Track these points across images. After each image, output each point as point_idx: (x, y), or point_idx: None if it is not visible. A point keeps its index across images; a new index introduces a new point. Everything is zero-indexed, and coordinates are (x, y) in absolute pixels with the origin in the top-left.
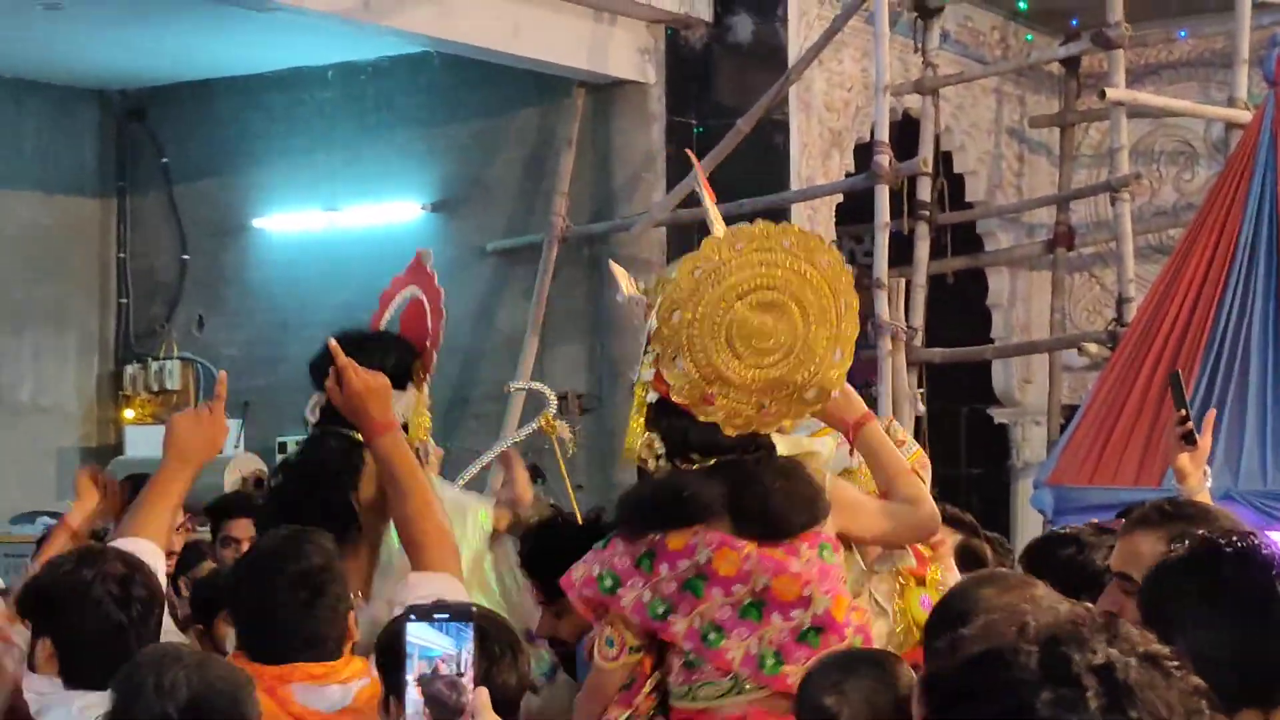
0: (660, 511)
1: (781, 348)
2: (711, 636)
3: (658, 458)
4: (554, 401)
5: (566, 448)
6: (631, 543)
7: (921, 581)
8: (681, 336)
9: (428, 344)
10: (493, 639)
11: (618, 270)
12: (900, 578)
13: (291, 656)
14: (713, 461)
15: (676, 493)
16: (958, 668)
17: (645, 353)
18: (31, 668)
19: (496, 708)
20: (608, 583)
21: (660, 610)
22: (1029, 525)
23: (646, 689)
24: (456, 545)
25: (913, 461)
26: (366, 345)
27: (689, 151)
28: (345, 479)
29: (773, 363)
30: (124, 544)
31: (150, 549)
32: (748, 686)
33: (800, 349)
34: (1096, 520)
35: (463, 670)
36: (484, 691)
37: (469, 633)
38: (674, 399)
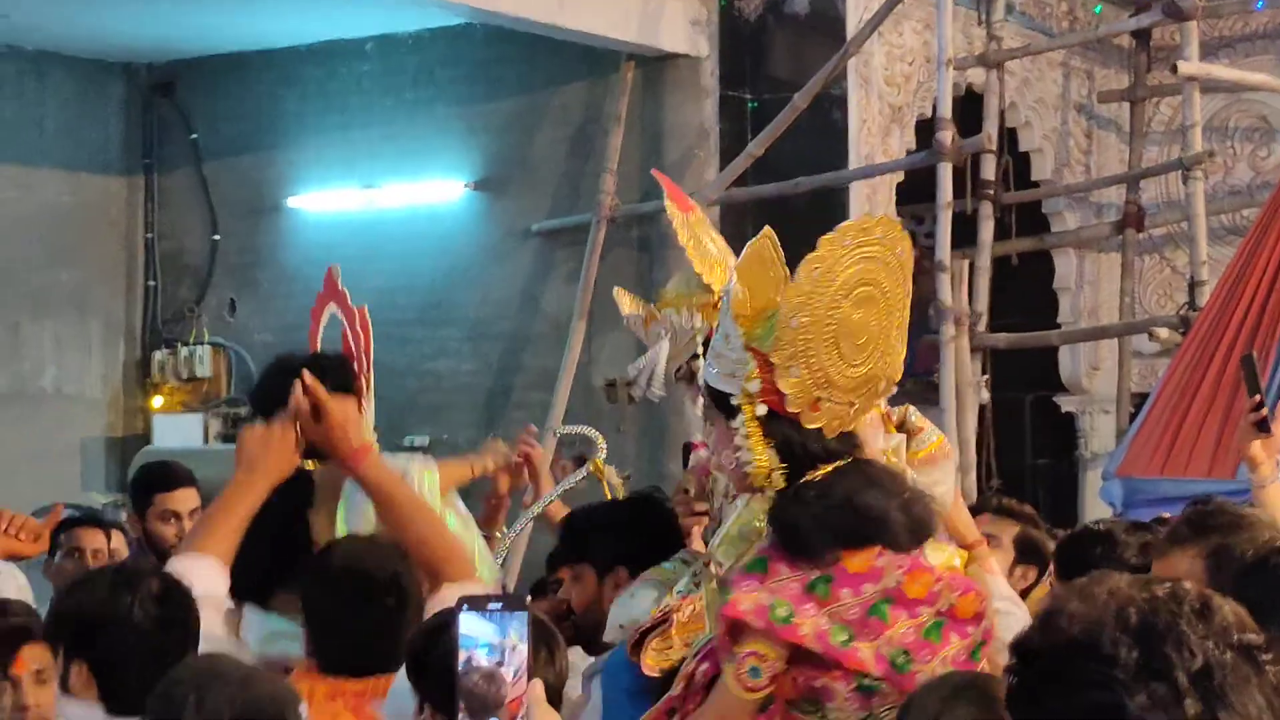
0: (839, 533)
1: (873, 345)
2: (900, 661)
3: (770, 472)
4: (603, 448)
5: (616, 492)
6: (798, 568)
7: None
8: (799, 342)
9: (354, 365)
10: (544, 634)
11: (619, 294)
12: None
13: (374, 669)
14: (832, 468)
15: (853, 511)
16: (1054, 648)
17: (736, 362)
18: (65, 691)
19: (553, 700)
20: (781, 612)
21: (844, 638)
22: (1098, 518)
23: (779, 715)
24: (467, 550)
25: (934, 450)
26: (330, 369)
27: (656, 172)
28: (301, 512)
29: (865, 359)
30: (185, 561)
31: (212, 566)
32: None
33: (884, 343)
34: (1166, 514)
35: (509, 661)
36: (538, 684)
37: (522, 622)
38: (789, 410)
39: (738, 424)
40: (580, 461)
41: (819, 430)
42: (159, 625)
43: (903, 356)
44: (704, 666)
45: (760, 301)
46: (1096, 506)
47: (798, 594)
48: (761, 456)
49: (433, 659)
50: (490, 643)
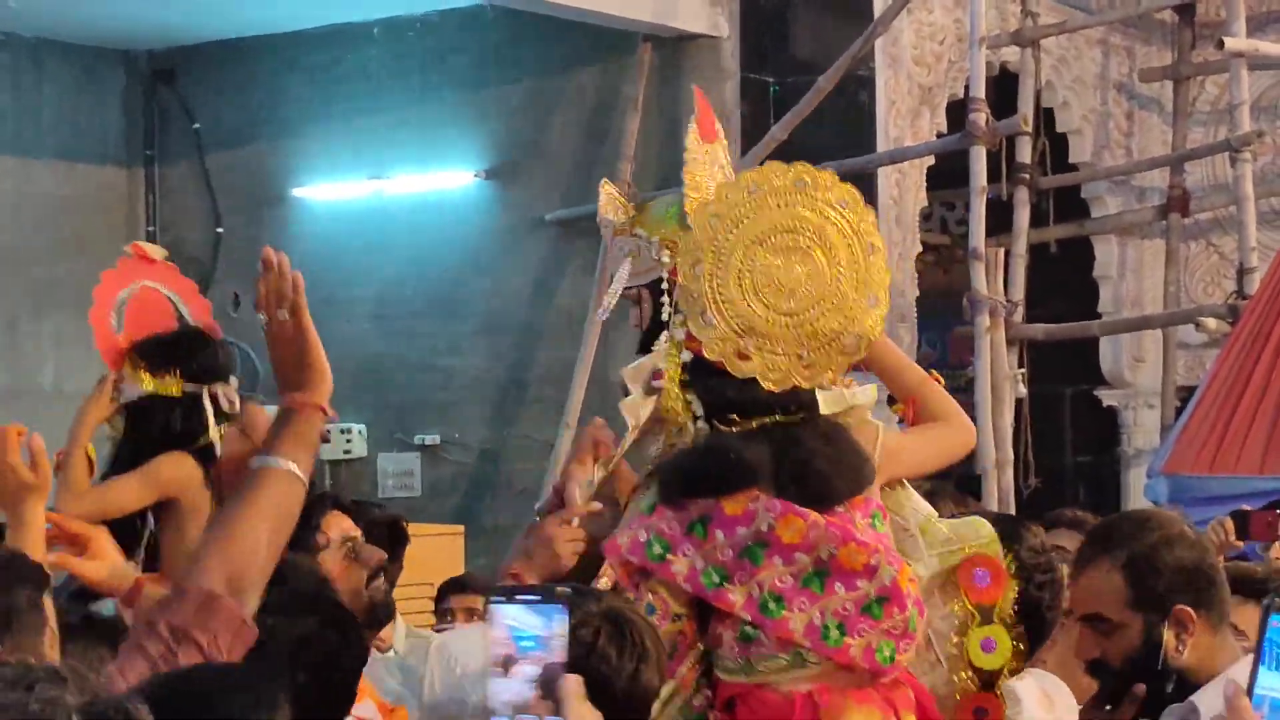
0: (710, 476)
1: (810, 295)
2: (771, 606)
3: (695, 419)
4: None
5: None
6: (680, 509)
7: (989, 616)
8: (706, 289)
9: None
10: (633, 634)
11: (605, 188)
12: (961, 610)
13: None
14: (754, 424)
15: (724, 456)
16: None
17: (671, 308)
18: None
19: (638, 708)
20: (656, 549)
21: (715, 579)
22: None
23: (690, 660)
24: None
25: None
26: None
27: (697, 90)
28: None
29: (802, 310)
30: None
31: None
32: (811, 660)
33: (830, 295)
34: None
35: (549, 654)
36: (574, 679)
37: (563, 616)
38: (707, 356)
39: (663, 365)
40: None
41: (752, 382)
42: None
43: (878, 314)
44: None
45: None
46: (1140, 504)
47: (678, 534)
48: (670, 398)
49: None
50: (536, 635)
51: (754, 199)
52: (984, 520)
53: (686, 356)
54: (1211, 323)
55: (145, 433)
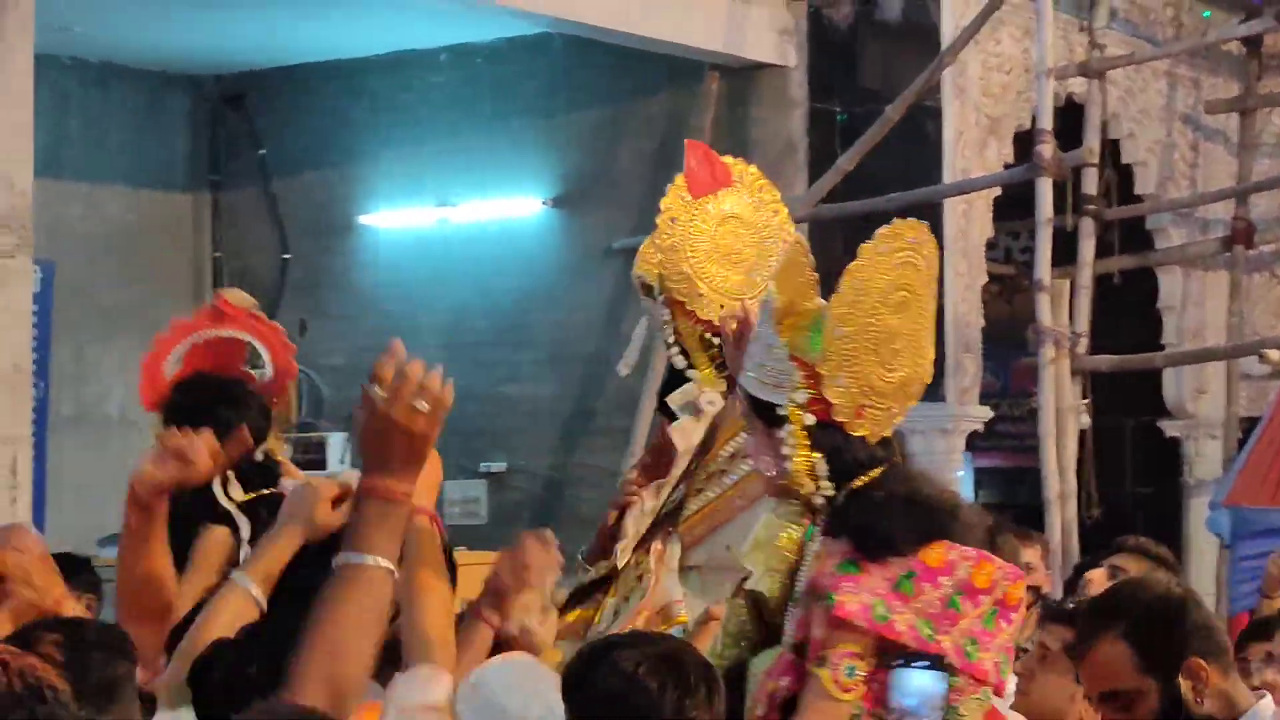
0: (918, 529)
1: (912, 349)
2: (970, 650)
3: (816, 480)
4: None
5: None
6: (885, 565)
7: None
8: (845, 352)
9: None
10: (690, 671)
11: (645, 252)
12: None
13: None
14: (879, 472)
15: (923, 509)
16: None
17: (781, 372)
18: None
19: None
20: (880, 610)
21: (928, 632)
22: (1203, 550)
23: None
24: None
25: None
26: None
27: (689, 143)
28: None
29: (903, 363)
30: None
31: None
32: (992, 695)
33: (921, 346)
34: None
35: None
36: None
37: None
38: (835, 418)
39: (784, 433)
40: None
41: (862, 437)
42: None
43: (932, 357)
44: (784, 682)
45: (797, 308)
46: (1202, 536)
47: (887, 592)
48: (804, 466)
49: None
50: (928, 700)
51: (882, 258)
52: None
53: (809, 419)
54: (1275, 354)
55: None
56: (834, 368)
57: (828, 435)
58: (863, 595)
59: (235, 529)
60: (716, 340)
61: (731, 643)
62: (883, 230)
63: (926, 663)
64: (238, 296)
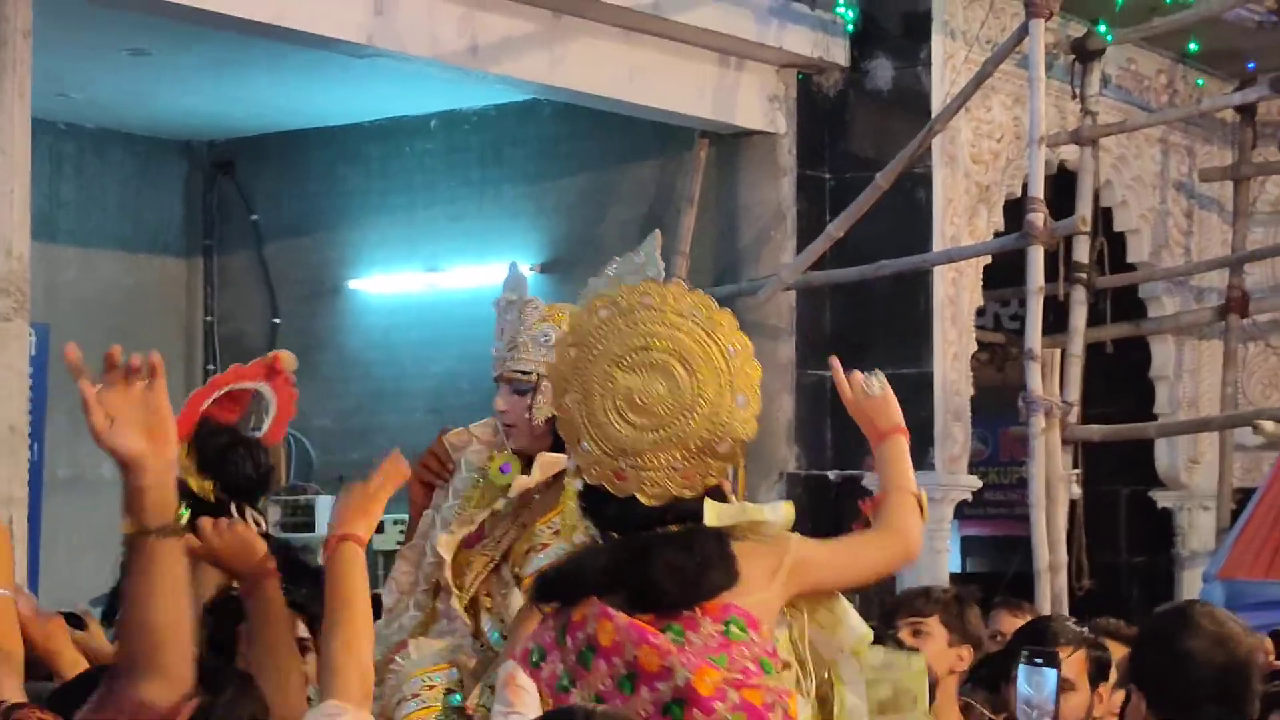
0: (554, 585)
1: (674, 408)
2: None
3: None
4: None
5: None
6: (552, 616)
7: None
8: (577, 418)
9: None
10: None
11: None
12: None
13: None
14: (618, 536)
15: (565, 567)
16: None
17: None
18: None
19: None
20: (535, 657)
21: (564, 683)
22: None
23: None
24: None
25: None
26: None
27: None
28: None
29: (667, 424)
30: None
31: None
32: None
33: (693, 404)
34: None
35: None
36: None
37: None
38: (588, 481)
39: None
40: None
41: (631, 500)
42: None
43: (749, 414)
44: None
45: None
46: None
47: (551, 641)
48: (567, 523)
49: None
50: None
51: (605, 324)
52: (920, 655)
53: (579, 484)
54: (1269, 425)
55: None
56: (572, 433)
57: (591, 497)
58: (528, 641)
59: None
60: None
61: None
62: (604, 292)
63: (1040, 660)
64: (289, 360)
